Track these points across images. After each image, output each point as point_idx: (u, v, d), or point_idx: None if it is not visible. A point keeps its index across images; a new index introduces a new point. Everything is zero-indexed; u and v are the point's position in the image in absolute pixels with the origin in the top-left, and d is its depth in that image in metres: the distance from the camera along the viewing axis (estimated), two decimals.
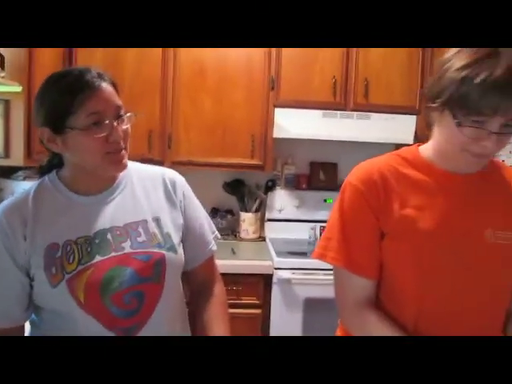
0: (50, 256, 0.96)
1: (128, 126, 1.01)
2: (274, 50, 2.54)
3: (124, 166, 1.02)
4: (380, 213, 0.98)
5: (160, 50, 2.47)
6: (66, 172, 1.04)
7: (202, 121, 2.54)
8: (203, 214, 1.21)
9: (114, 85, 1.01)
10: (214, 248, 1.21)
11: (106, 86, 0.97)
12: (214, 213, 2.86)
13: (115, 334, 0.98)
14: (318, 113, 2.57)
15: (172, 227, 1.09)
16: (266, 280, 2.33)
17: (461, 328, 0.95)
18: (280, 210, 2.86)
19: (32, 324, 1.06)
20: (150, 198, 1.09)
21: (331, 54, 2.56)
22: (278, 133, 2.57)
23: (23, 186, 2.21)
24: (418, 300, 0.97)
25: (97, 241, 0.99)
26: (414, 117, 2.59)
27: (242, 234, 2.82)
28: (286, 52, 2.54)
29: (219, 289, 1.21)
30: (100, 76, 0.97)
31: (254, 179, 2.89)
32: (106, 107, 0.96)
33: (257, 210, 2.82)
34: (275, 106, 2.56)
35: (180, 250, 1.09)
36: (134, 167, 1.11)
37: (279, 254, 2.44)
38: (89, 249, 0.98)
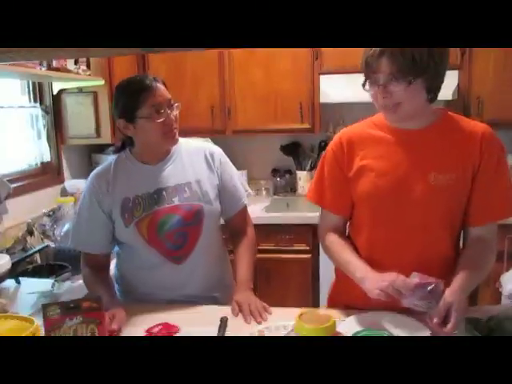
0: (124, 205, 1.40)
1: (177, 112, 1.41)
2: None
3: (176, 141, 1.43)
4: (344, 165, 1.30)
5: None
6: (136, 149, 1.45)
7: (255, 92, 2.88)
8: (237, 177, 1.56)
9: (164, 84, 1.41)
10: (246, 202, 1.57)
11: (159, 86, 1.37)
12: (275, 173, 3.23)
13: (169, 260, 1.41)
14: (360, 77, 2.77)
15: (209, 187, 1.47)
16: (314, 229, 2.66)
17: (407, 255, 1.23)
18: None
19: (117, 254, 1.53)
20: (193, 166, 1.47)
21: None
22: (323, 98, 2.83)
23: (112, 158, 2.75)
24: (371, 228, 1.28)
25: (155, 196, 1.41)
26: (456, 72, 2.70)
27: (300, 191, 3.16)
28: None
29: (249, 234, 1.58)
30: (155, 79, 1.38)
31: (308, 141, 3.18)
32: (161, 100, 1.36)
33: (311, 169, 3.14)
34: (320, 74, 2.82)
35: (216, 203, 1.47)
36: (183, 142, 1.50)
37: None
38: (150, 201, 1.40)
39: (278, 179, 3.21)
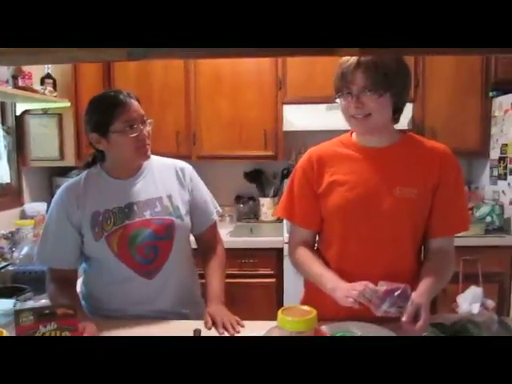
0: (94, 219, 1.39)
1: (150, 128, 1.43)
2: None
3: (148, 157, 1.44)
4: (314, 182, 1.36)
5: (181, 63, 2.90)
6: (107, 164, 1.46)
7: (221, 119, 2.95)
8: (207, 194, 1.60)
9: (138, 100, 1.43)
10: (216, 218, 1.60)
11: (133, 102, 1.39)
12: (238, 199, 3.27)
13: (139, 275, 1.40)
14: (322, 107, 2.90)
15: (180, 202, 1.48)
16: (278, 253, 2.71)
17: (376, 267, 1.28)
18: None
19: (84, 271, 1.50)
20: (164, 181, 1.49)
21: None
22: (287, 127, 2.93)
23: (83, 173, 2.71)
24: (342, 241, 1.33)
25: (126, 210, 1.41)
26: (411, 105, 2.88)
27: (262, 217, 3.21)
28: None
29: (219, 249, 1.60)
30: (128, 95, 1.40)
31: (271, 168, 3.26)
32: (134, 116, 1.38)
33: (274, 195, 3.20)
34: (283, 103, 2.93)
35: (186, 219, 1.49)
36: (154, 159, 1.52)
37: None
38: (121, 215, 1.40)
39: (242, 205, 3.25)
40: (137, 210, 1.42)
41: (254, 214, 3.28)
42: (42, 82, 2.33)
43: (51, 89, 2.39)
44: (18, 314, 0.94)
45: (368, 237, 1.31)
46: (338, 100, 1.29)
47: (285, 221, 3.11)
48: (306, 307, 0.81)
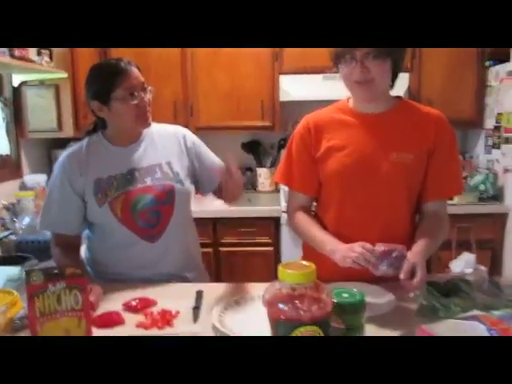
0: (97, 186, 1.42)
1: (150, 96, 1.44)
2: None
3: (149, 124, 1.46)
4: (312, 147, 1.39)
5: None
6: (108, 131, 1.48)
7: (218, 91, 2.95)
8: (212, 155, 1.61)
9: (138, 68, 1.44)
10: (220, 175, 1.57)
11: (133, 69, 1.41)
12: None
13: (142, 239, 1.43)
14: (318, 77, 2.90)
15: (180, 168, 1.51)
16: (276, 222, 2.75)
17: (373, 230, 1.31)
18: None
19: (87, 238, 1.54)
20: (164, 148, 1.51)
21: None
22: (284, 97, 2.94)
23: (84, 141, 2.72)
24: (339, 205, 1.37)
25: (128, 176, 1.44)
26: (407, 75, 2.89)
27: (260, 187, 3.25)
28: None
29: None
30: (129, 63, 1.41)
31: (268, 139, 3.28)
32: (135, 83, 1.39)
33: (271, 166, 3.23)
34: (280, 74, 2.93)
35: (187, 184, 1.51)
36: (154, 126, 1.53)
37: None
38: (123, 181, 1.43)
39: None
40: (138, 177, 1.45)
41: (251, 185, 3.32)
42: (39, 53, 2.32)
43: (48, 59, 2.38)
44: (28, 273, 0.98)
45: (365, 201, 1.35)
46: (339, 66, 1.30)
47: (282, 190, 3.16)
48: (305, 262, 0.84)
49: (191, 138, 1.58)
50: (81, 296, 1.01)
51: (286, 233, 2.73)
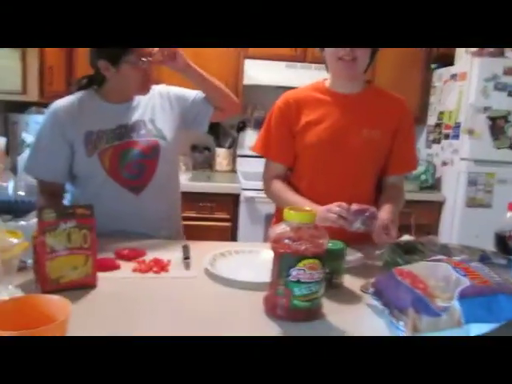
0: (88, 137, 1.47)
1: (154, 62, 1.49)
2: None
3: (149, 90, 1.53)
4: (291, 122, 1.52)
5: None
6: (104, 89, 1.52)
7: None
8: (193, 94, 1.65)
9: None
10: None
11: None
12: (194, 148, 3.37)
13: (127, 191, 1.50)
14: (282, 64, 3.05)
15: (162, 124, 1.58)
16: (235, 199, 2.87)
17: (341, 197, 1.42)
18: (249, 148, 3.37)
19: (70, 193, 1.58)
20: (147, 106, 1.57)
21: None
22: (247, 80, 3.05)
23: (35, 119, 2.67)
24: (313, 174, 1.52)
25: (117, 131, 1.50)
26: None
27: (217, 167, 3.34)
28: None
29: None
30: None
31: (228, 120, 3.37)
32: (146, 51, 1.44)
33: (230, 147, 3.34)
34: (245, 58, 3.04)
35: (171, 140, 1.57)
36: None
37: (246, 177, 2.98)
38: (112, 135, 1.49)
39: (198, 154, 3.36)
40: (125, 132, 1.52)
41: (209, 164, 3.40)
42: None
43: None
44: (40, 210, 1.03)
45: (337, 171, 1.50)
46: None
47: (238, 171, 3.28)
48: (307, 207, 0.98)
49: (168, 89, 1.66)
50: (90, 235, 1.08)
51: (244, 209, 2.86)
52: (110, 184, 1.49)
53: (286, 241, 0.93)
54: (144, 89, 1.52)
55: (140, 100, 1.58)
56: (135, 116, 1.55)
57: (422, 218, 2.92)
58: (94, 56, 1.48)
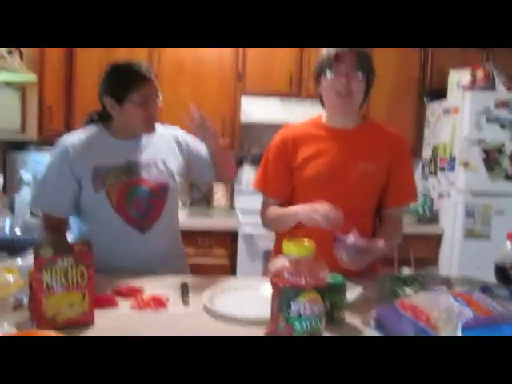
0: (96, 173, 1.48)
1: (160, 104, 1.54)
2: (240, 48, 3.08)
3: (154, 130, 1.56)
4: (288, 159, 1.54)
5: (146, 51, 2.98)
6: (113, 125, 1.55)
7: (181, 106, 3.03)
8: (204, 153, 1.66)
9: (155, 76, 1.53)
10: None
11: (153, 78, 1.49)
12: (191, 185, 3.37)
13: (133, 228, 1.50)
14: (277, 100, 3.11)
15: (174, 167, 1.59)
16: (233, 235, 2.86)
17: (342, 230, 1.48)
18: (247, 184, 3.38)
19: (76, 228, 1.57)
20: (161, 147, 1.60)
21: (289, 50, 3.11)
22: (244, 117, 3.10)
23: (34, 158, 2.69)
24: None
25: (126, 168, 1.51)
26: None
27: (216, 203, 3.35)
28: (251, 48, 3.07)
29: None
30: (150, 71, 1.50)
31: None
32: (151, 92, 1.48)
33: (227, 183, 3.35)
34: (242, 95, 3.10)
35: (177, 180, 1.59)
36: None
37: (244, 213, 2.98)
38: (120, 172, 1.50)
39: (196, 192, 3.37)
40: (135, 170, 1.52)
41: (207, 201, 3.41)
42: (10, 52, 2.32)
43: (19, 60, 2.38)
44: (37, 248, 1.02)
45: (336, 204, 1.50)
46: (321, 78, 1.47)
47: (237, 208, 3.29)
48: (305, 240, 0.98)
49: (185, 137, 1.68)
50: (87, 272, 1.07)
51: (242, 245, 2.85)
52: (116, 220, 1.49)
53: (286, 274, 0.93)
54: (148, 128, 1.53)
55: (151, 139, 1.59)
56: (147, 154, 1.56)
57: (421, 251, 2.91)
58: (101, 93, 1.50)
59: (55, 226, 1.51)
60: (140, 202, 1.51)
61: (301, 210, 1.41)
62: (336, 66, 1.43)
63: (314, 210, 1.34)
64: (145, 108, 1.47)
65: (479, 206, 2.91)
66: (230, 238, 2.86)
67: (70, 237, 1.60)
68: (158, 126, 1.66)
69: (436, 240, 3.05)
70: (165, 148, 1.62)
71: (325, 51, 1.47)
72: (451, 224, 2.97)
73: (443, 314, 0.94)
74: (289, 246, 0.95)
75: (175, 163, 1.62)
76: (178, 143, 1.65)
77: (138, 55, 2.96)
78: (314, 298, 0.92)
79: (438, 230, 3.06)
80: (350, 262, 1.29)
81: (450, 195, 3.01)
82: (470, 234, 2.91)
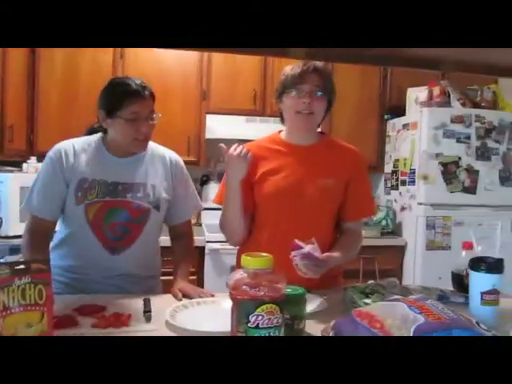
0: (80, 184, 1.47)
1: (155, 122, 1.51)
2: (204, 65, 3.12)
3: (144, 149, 1.53)
4: (248, 173, 1.51)
5: (110, 66, 2.98)
6: (107, 139, 1.53)
7: None
8: (190, 192, 1.68)
9: (153, 95, 1.50)
10: (191, 215, 1.74)
11: (147, 96, 1.46)
12: None
13: (105, 249, 1.49)
14: (241, 118, 3.16)
15: (163, 193, 1.56)
16: (200, 251, 2.86)
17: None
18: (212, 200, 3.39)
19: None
20: (152, 170, 1.56)
21: (252, 69, 3.17)
22: (209, 135, 3.13)
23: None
24: (274, 224, 1.55)
25: (111, 187, 1.49)
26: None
27: None
28: (215, 67, 3.12)
29: (191, 237, 1.75)
30: (146, 89, 1.46)
31: (192, 174, 3.35)
32: (143, 111, 1.45)
33: None
34: (207, 113, 3.13)
35: (162, 209, 1.57)
36: (151, 145, 1.56)
37: (210, 230, 2.99)
38: (105, 190, 1.48)
39: None
40: (120, 190, 1.50)
41: None
42: None
43: None
44: None
45: (295, 218, 1.54)
46: (283, 97, 1.51)
47: (204, 225, 3.29)
48: (263, 253, 1.00)
49: (181, 168, 1.65)
50: (45, 291, 1.06)
51: (209, 262, 2.85)
52: (90, 236, 1.48)
53: (244, 287, 0.94)
54: (137, 147, 1.50)
55: (145, 159, 1.56)
56: (137, 176, 1.53)
57: (386, 262, 2.99)
58: (97, 105, 1.50)
59: (42, 230, 1.49)
60: (116, 226, 1.49)
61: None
62: (300, 86, 1.47)
63: (228, 157, 1.44)
64: (135, 126, 1.44)
65: (439, 217, 3.01)
66: (197, 255, 2.85)
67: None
68: (156, 146, 1.63)
69: (399, 251, 3.13)
70: (157, 172, 1.58)
71: (288, 70, 1.51)
72: (413, 236, 3.06)
73: (397, 321, 0.97)
74: (246, 260, 0.96)
75: (165, 189, 1.58)
76: (171, 169, 1.61)
77: (101, 70, 2.96)
78: (273, 309, 0.94)
79: (401, 242, 3.14)
80: (305, 271, 1.32)
81: (412, 208, 3.10)
82: (431, 244, 3.00)
